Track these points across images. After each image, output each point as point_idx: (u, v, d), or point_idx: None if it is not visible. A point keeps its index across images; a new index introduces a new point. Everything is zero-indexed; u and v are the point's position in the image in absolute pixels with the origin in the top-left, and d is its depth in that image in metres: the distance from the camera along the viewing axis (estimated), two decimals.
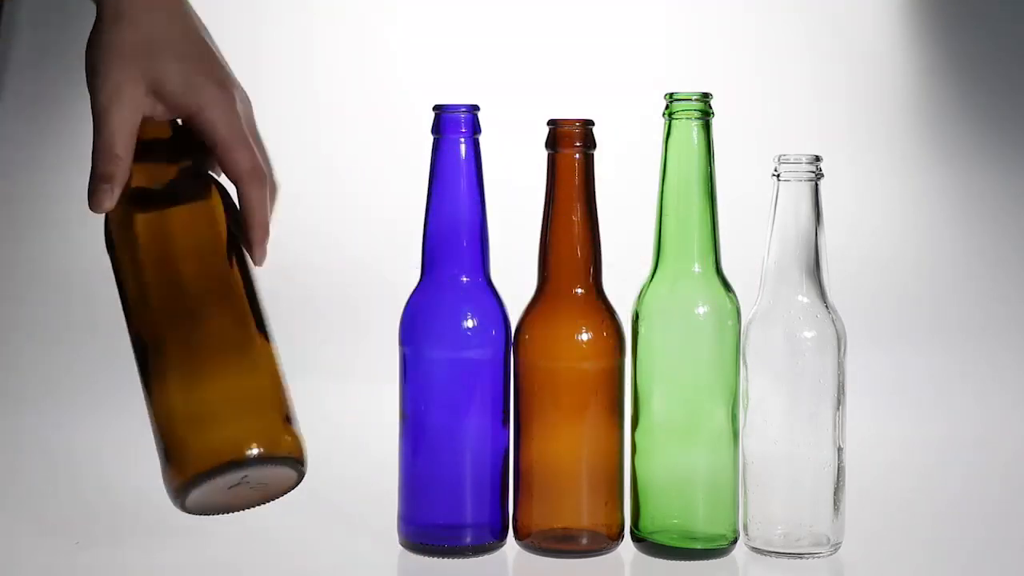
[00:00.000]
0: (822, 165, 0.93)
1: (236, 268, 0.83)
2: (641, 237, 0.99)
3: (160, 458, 0.79)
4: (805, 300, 0.94)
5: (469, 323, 0.93)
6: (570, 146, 0.94)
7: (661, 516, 0.94)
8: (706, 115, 0.93)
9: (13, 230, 1.63)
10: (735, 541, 0.95)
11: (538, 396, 0.94)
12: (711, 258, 0.93)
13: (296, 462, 0.77)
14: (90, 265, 1.60)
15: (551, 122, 0.94)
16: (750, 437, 0.95)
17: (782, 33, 1.65)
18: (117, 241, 0.83)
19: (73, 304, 1.58)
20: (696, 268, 0.93)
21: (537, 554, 0.94)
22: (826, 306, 0.94)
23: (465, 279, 0.93)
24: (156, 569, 0.93)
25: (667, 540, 0.94)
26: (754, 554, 0.95)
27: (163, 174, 0.83)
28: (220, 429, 0.76)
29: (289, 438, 0.77)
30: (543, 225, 0.94)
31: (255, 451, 0.75)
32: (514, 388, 0.95)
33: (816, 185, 0.93)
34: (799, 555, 0.94)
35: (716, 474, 0.94)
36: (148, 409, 0.82)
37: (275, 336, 0.83)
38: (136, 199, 0.82)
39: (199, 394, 0.78)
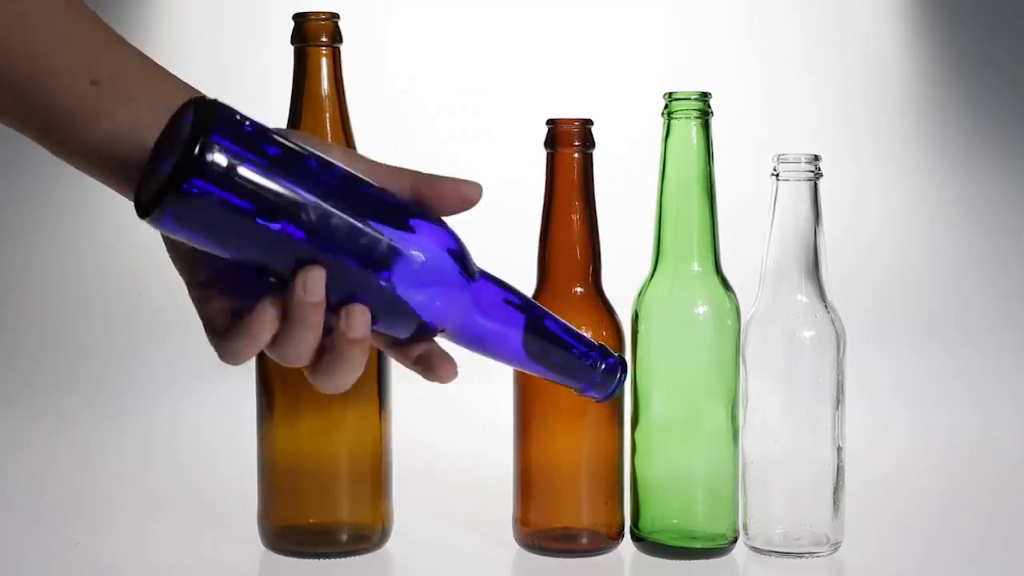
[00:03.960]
0: (821, 165, 0.93)
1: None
2: (641, 237, 0.99)
3: None
4: (804, 300, 0.94)
5: None
6: (569, 145, 0.94)
7: (661, 516, 0.94)
8: (705, 114, 0.93)
9: (13, 231, 1.63)
10: (735, 541, 0.95)
11: (538, 397, 0.94)
12: (710, 258, 0.93)
13: None
14: (89, 265, 1.60)
15: (550, 122, 0.94)
16: (750, 437, 0.95)
17: (782, 33, 1.65)
18: None
19: (73, 304, 1.58)
20: (695, 268, 0.93)
21: (537, 554, 0.94)
22: (825, 306, 0.94)
23: None
24: (150, 568, 0.93)
25: (667, 540, 0.94)
26: (754, 554, 0.95)
27: None
28: None
29: None
30: (542, 225, 0.94)
31: None
32: (514, 388, 0.95)
33: (815, 184, 0.93)
34: (799, 555, 0.94)
35: (716, 474, 0.94)
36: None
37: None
38: None
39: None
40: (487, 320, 0.63)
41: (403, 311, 0.60)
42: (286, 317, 0.58)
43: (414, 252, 0.60)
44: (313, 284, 0.58)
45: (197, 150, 0.54)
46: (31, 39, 0.61)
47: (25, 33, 0.61)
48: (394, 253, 0.59)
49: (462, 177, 0.63)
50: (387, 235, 0.59)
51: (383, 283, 0.59)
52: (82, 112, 0.61)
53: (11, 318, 1.56)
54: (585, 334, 0.66)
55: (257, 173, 0.56)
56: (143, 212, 0.56)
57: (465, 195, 0.62)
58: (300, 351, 0.60)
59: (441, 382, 0.64)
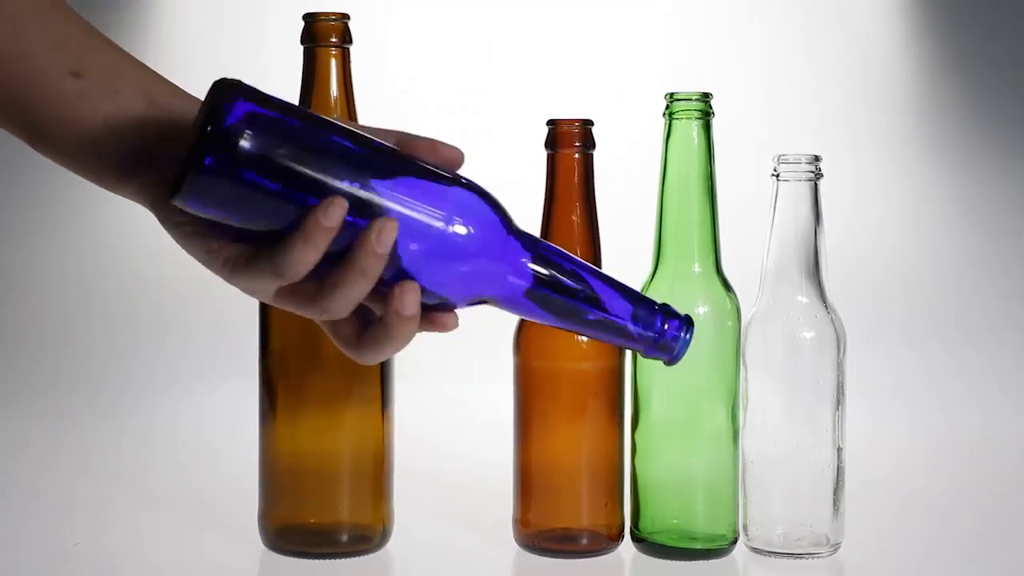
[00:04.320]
0: (821, 165, 0.93)
1: None
2: (641, 237, 0.99)
3: None
4: (804, 300, 0.94)
5: None
6: (569, 146, 0.94)
7: (661, 516, 0.94)
8: (706, 115, 0.93)
9: (13, 231, 1.63)
10: (735, 541, 0.95)
11: (538, 396, 0.94)
12: (711, 258, 0.93)
13: None
14: (89, 265, 1.60)
15: (551, 122, 0.94)
16: (750, 437, 0.95)
17: (782, 33, 1.65)
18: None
19: (73, 304, 1.58)
20: (696, 268, 0.93)
21: (537, 554, 0.94)
22: (825, 306, 0.94)
23: None
24: (150, 568, 0.93)
25: (667, 540, 0.94)
26: (754, 554, 0.95)
27: None
28: None
29: None
30: (543, 225, 0.94)
31: None
32: (514, 388, 0.95)
33: (815, 185, 0.93)
34: (799, 555, 0.94)
35: (716, 474, 0.94)
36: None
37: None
38: None
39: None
40: (531, 287, 0.62)
41: (444, 279, 0.60)
42: (344, 263, 0.58)
43: (455, 218, 0.60)
44: (386, 236, 0.58)
45: (211, 128, 0.55)
46: (23, 41, 0.62)
47: (17, 36, 0.62)
48: (428, 220, 0.59)
49: (446, 142, 0.63)
50: (430, 199, 0.59)
51: (415, 249, 0.59)
52: (69, 106, 0.62)
53: (11, 318, 1.56)
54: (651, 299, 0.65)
55: (281, 148, 0.56)
56: (169, 193, 0.57)
57: (445, 158, 0.62)
58: (347, 300, 0.59)
59: (444, 331, 0.64)
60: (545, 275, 0.63)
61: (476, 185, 0.62)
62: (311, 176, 0.57)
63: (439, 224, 0.60)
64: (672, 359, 0.65)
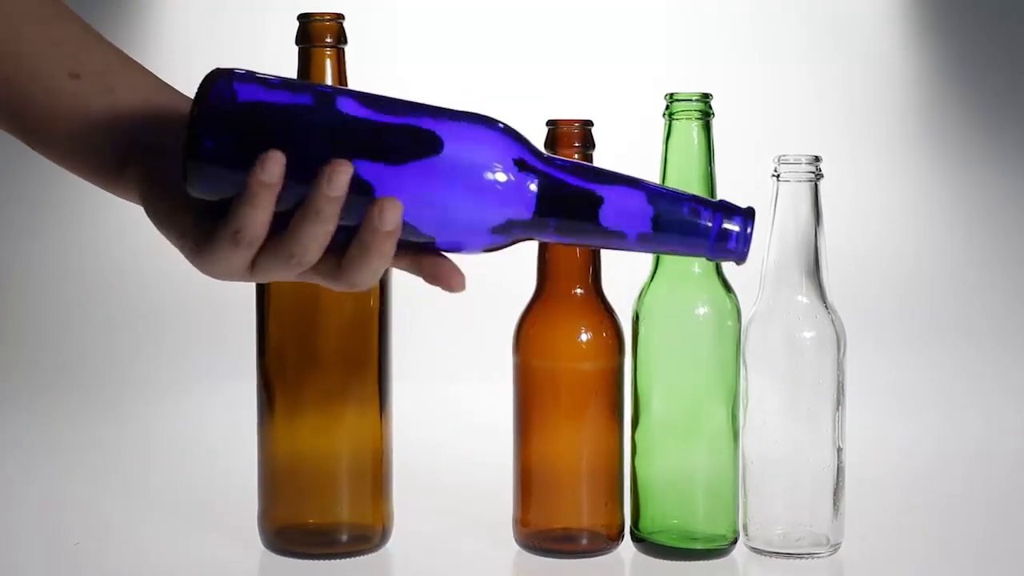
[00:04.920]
0: (822, 165, 0.93)
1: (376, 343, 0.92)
2: None
3: None
4: (805, 300, 0.94)
5: None
6: (569, 147, 0.94)
7: (661, 516, 0.94)
8: (706, 115, 0.93)
9: (13, 231, 1.63)
10: (735, 541, 0.95)
11: (538, 396, 0.94)
12: None
13: None
14: (89, 265, 1.60)
15: (550, 122, 0.94)
16: (750, 437, 0.95)
17: (782, 33, 1.65)
18: (269, 293, 0.91)
19: (73, 304, 1.58)
20: (696, 268, 0.93)
21: (537, 554, 0.94)
22: (826, 306, 0.94)
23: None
24: (150, 568, 0.93)
25: (667, 540, 0.94)
26: (754, 554, 0.95)
27: None
28: None
29: None
30: None
31: None
32: (514, 388, 0.95)
33: (816, 185, 0.93)
34: (799, 555, 0.94)
35: (716, 474, 0.94)
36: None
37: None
38: None
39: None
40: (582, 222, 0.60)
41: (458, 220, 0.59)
42: (302, 209, 0.57)
43: (465, 151, 0.59)
44: (337, 179, 0.56)
45: (198, 111, 0.57)
46: (20, 41, 0.62)
47: (15, 36, 0.62)
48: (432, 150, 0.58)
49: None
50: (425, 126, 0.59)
51: (432, 189, 0.58)
52: (64, 105, 0.62)
53: (11, 318, 1.56)
54: (705, 200, 0.60)
55: (265, 121, 0.57)
56: (184, 183, 0.58)
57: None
58: (309, 243, 0.57)
59: (452, 291, 0.62)
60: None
61: (482, 120, 0.60)
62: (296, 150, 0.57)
63: (449, 195, 0.59)
64: (739, 257, 0.60)
